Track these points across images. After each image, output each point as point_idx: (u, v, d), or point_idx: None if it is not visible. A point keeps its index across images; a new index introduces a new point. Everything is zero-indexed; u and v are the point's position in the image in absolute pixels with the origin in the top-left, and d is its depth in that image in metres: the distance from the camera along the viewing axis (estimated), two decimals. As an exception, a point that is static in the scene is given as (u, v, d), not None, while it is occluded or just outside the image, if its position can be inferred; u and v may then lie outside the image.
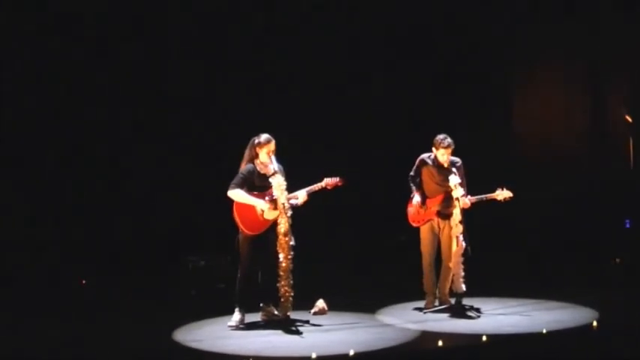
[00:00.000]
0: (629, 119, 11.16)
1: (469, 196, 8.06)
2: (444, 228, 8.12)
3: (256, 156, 7.59)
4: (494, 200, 8.21)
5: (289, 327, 7.40)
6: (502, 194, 8.20)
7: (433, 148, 8.10)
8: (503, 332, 7.23)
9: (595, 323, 7.30)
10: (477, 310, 8.05)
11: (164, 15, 10.71)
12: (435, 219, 8.13)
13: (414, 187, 8.23)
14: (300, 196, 7.62)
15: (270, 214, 7.47)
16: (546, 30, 11.86)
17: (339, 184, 7.75)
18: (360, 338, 7.06)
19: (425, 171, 8.19)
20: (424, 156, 8.23)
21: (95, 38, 10.42)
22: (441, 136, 8.05)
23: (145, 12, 10.56)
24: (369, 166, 11.26)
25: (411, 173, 8.26)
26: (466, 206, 7.99)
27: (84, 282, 9.99)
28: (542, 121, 12.00)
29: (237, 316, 7.56)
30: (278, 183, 7.44)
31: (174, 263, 9.98)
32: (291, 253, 7.50)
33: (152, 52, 10.68)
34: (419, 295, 8.31)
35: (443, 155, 8.01)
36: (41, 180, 10.16)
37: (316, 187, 7.70)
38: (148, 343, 7.13)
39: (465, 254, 7.99)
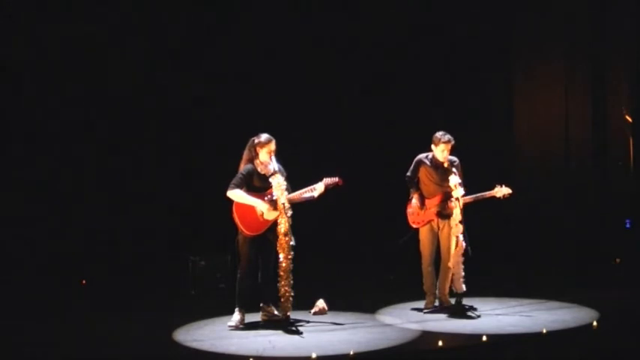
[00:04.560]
0: (629, 119, 11.15)
1: (469, 195, 8.06)
2: (443, 228, 8.11)
3: (256, 156, 7.58)
4: (494, 198, 8.21)
5: (289, 327, 7.40)
6: (501, 191, 8.20)
7: (432, 146, 8.08)
8: (503, 332, 7.23)
9: (595, 323, 7.30)
10: (476, 309, 8.05)
11: (161, 15, 10.71)
12: (435, 219, 8.13)
13: (411, 189, 8.22)
14: (318, 188, 7.58)
15: (269, 215, 7.47)
16: (547, 29, 11.85)
17: (339, 184, 7.73)
18: (360, 338, 7.06)
19: (422, 171, 8.17)
20: (421, 156, 8.21)
21: (94, 35, 10.44)
22: (439, 133, 8.04)
23: (144, 12, 10.58)
24: (369, 167, 11.25)
25: (408, 174, 8.24)
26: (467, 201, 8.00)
27: (84, 282, 9.99)
28: (542, 120, 11.98)
29: (237, 316, 7.56)
30: (278, 183, 7.44)
31: (174, 263, 9.98)
32: (291, 253, 7.50)
33: (154, 52, 10.69)
34: (419, 295, 8.31)
35: (443, 152, 7.98)
36: (41, 179, 10.15)
37: (316, 186, 7.67)
38: (148, 343, 7.14)
39: (465, 254, 8.00)
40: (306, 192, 7.56)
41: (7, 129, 10.15)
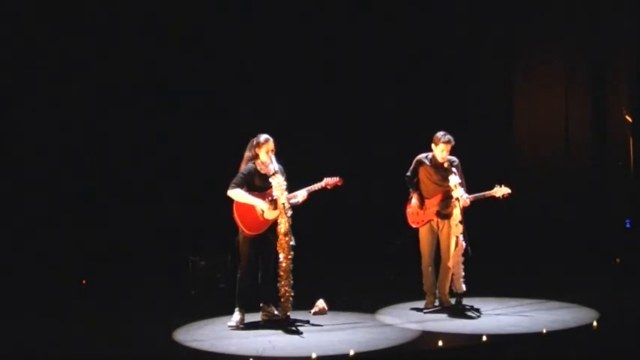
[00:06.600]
0: (629, 119, 11.15)
1: (467, 195, 8.04)
2: (442, 228, 8.11)
3: (256, 156, 7.59)
4: (493, 198, 8.21)
5: (289, 327, 7.40)
6: (500, 191, 8.19)
7: (432, 145, 8.07)
8: (503, 332, 7.23)
9: (595, 323, 7.30)
10: (477, 310, 8.05)
11: (165, 13, 10.72)
12: (434, 219, 8.12)
13: (411, 189, 8.22)
14: (300, 195, 7.61)
15: (270, 214, 7.47)
16: (546, 29, 11.86)
17: (339, 184, 7.73)
18: (360, 338, 7.06)
19: (422, 171, 8.16)
20: (421, 156, 8.20)
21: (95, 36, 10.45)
22: (440, 133, 8.03)
23: (149, 11, 10.59)
24: (368, 167, 11.25)
25: (408, 174, 8.23)
26: (466, 204, 7.98)
27: (84, 282, 9.99)
28: (542, 120, 11.99)
29: (237, 316, 7.56)
30: (278, 183, 7.43)
31: (174, 263, 9.98)
32: (291, 253, 7.49)
33: (155, 53, 10.70)
34: (419, 295, 8.31)
35: (443, 152, 7.97)
36: (41, 179, 10.16)
37: (316, 186, 7.68)
38: (148, 343, 7.14)
39: (465, 254, 7.99)
40: (291, 198, 7.52)
41: (7, 128, 10.16)
